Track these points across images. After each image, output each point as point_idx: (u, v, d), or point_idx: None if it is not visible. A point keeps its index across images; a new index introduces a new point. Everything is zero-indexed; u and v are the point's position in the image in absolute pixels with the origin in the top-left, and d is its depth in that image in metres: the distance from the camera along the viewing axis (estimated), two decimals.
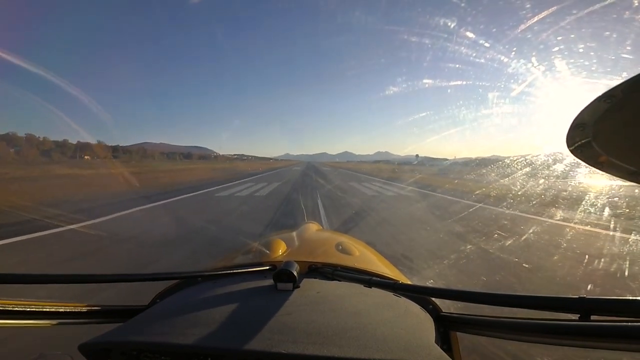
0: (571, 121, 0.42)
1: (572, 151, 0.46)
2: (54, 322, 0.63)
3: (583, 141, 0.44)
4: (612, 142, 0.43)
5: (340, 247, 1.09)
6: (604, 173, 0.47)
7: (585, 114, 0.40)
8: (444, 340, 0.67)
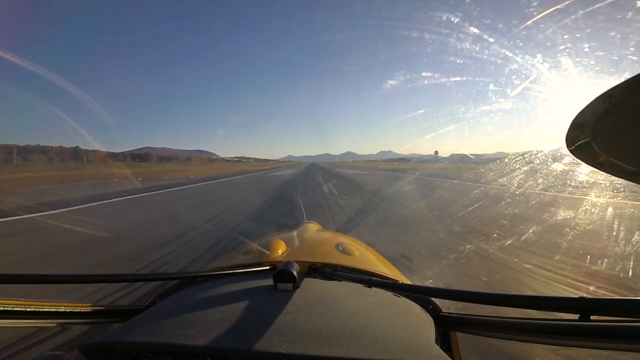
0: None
1: (571, 151, 0.46)
2: (54, 322, 0.63)
3: (582, 141, 0.44)
4: (611, 142, 0.43)
5: (340, 247, 1.09)
6: (603, 173, 0.48)
7: (584, 114, 0.40)
8: (444, 340, 0.67)
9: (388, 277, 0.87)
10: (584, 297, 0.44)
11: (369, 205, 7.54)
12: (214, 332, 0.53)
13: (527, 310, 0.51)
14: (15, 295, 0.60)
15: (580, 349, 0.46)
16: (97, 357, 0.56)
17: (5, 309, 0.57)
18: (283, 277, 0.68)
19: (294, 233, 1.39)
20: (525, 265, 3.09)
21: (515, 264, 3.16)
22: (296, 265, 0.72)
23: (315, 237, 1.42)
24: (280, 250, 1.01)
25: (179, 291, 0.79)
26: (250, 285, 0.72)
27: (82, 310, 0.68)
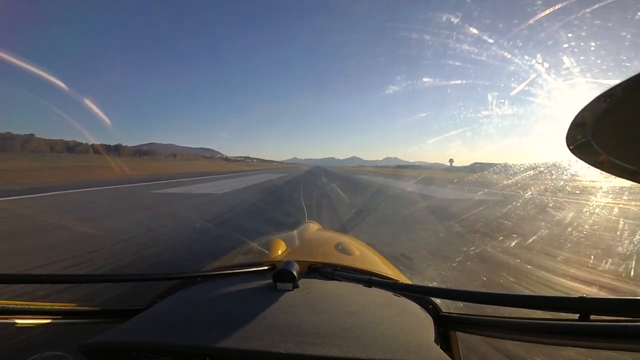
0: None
1: (571, 150, 0.46)
2: (54, 322, 0.63)
3: (583, 140, 0.43)
4: (611, 142, 0.43)
5: (340, 247, 1.09)
6: (603, 172, 0.47)
7: (585, 113, 0.40)
8: (444, 340, 0.67)
9: (388, 277, 0.87)
10: (584, 297, 0.44)
11: None
12: (214, 332, 0.53)
13: (527, 310, 0.51)
14: (15, 296, 0.60)
15: (580, 349, 0.46)
16: (97, 357, 0.56)
17: (6, 308, 0.57)
18: (283, 276, 0.68)
19: (294, 233, 1.39)
20: None
21: None
22: (296, 265, 0.72)
23: (315, 236, 1.42)
24: (280, 250, 1.01)
25: (179, 291, 0.79)
26: (250, 285, 0.72)
27: (82, 310, 0.68)
